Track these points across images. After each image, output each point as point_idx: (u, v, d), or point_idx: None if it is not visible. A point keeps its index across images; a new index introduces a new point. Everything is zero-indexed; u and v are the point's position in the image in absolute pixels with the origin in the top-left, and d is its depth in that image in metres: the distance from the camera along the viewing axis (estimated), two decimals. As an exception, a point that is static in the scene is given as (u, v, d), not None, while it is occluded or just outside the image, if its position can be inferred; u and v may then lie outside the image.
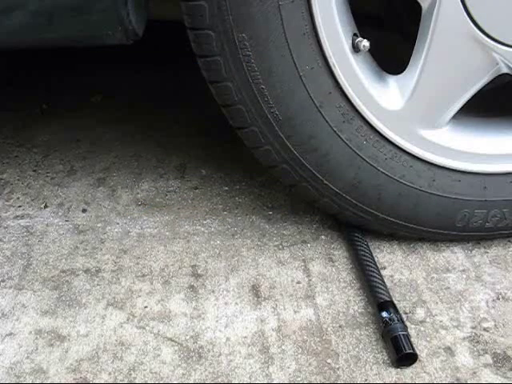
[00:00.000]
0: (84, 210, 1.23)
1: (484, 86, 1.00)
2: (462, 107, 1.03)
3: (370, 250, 1.09)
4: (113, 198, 1.27)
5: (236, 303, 1.00)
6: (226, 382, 0.87)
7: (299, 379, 0.87)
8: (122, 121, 1.56)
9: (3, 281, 1.04)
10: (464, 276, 1.07)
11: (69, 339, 0.93)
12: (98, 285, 1.04)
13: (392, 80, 1.02)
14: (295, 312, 0.99)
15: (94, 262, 1.09)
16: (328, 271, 1.07)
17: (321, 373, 0.88)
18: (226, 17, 0.89)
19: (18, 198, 1.26)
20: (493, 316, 0.98)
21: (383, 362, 0.90)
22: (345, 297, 1.02)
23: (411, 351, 0.88)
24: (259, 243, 1.14)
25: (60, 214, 1.22)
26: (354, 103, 0.98)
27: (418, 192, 1.05)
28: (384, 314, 0.94)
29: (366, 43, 0.95)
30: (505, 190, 1.07)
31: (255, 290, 1.03)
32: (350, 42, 0.95)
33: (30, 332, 0.94)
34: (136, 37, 0.95)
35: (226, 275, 1.06)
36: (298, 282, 1.05)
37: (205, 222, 1.19)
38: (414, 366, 0.89)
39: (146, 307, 0.99)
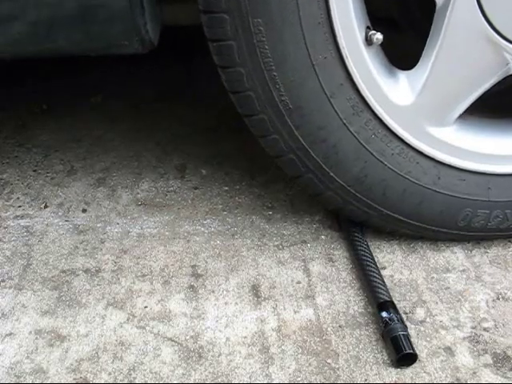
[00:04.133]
0: (84, 210, 1.23)
1: (492, 87, 1.00)
2: (469, 107, 1.03)
3: (369, 250, 1.09)
4: (113, 198, 1.27)
5: (236, 303, 1.00)
6: (226, 382, 0.87)
7: (299, 379, 0.87)
8: (122, 121, 1.56)
9: (3, 281, 1.04)
10: (464, 276, 1.07)
11: (69, 339, 0.93)
12: (98, 285, 1.04)
13: (403, 75, 1.02)
14: (295, 312, 0.99)
15: (93, 262, 1.09)
16: (328, 271, 1.07)
17: (321, 373, 0.88)
18: (241, 1, 0.88)
19: (18, 198, 1.26)
20: (493, 316, 0.98)
21: (383, 362, 0.90)
22: (345, 297, 1.02)
23: (411, 351, 0.88)
24: (259, 243, 1.14)
25: (60, 213, 1.22)
26: (365, 96, 0.98)
27: (423, 189, 1.05)
28: (384, 314, 0.94)
29: (379, 36, 0.95)
30: (509, 191, 1.07)
31: (255, 289, 1.03)
32: (364, 34, 0.95)
33: (30, 332, 0.94)
34: (152, 46, 0.94)
35: (226, 275, 1.06)
36: (298, 282, 1.05)
37: (205, 222, 1.19)
38: (413, 366, 0.89)
39: (146, 307, 0.99)
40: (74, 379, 0.87)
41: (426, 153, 1.03)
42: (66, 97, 1.69)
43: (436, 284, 1.05)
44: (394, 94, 1.00)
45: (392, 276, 1.07)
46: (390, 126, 1.01)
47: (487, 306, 1.00)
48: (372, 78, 0.97)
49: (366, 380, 0.87)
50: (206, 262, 1.09)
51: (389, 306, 0.95)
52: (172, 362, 0.90)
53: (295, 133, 1.00)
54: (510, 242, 1.15)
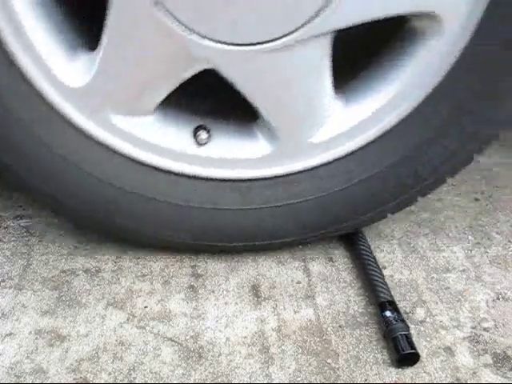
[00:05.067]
0: (84, 210, 1.23)
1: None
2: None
3: (370, 250, 1.09)
4: (113, 198, 1.27)
5: (236, 303, 1.00)
6: (226, 381, 0.87)
7: (299, 379, 0.87)
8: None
9: (3, 281, 1.04)
10: (464, 276, 1.07)
11: (69, 339, 0.93)
12: (98, 285, 1.04)
13: None
14: (295, 312, 0.99)
15: (93, 262, 1.09)
16: (328, 271, 1.07)
17: (321, 373, 0.88)
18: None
19: (18, 198, 1.26)
20: (493, 316, 0.98)
21: (383, 362, 0.90)
22: (345, 297, 1.02)
23: (411, 351, 0.88)
24: (259, 243, 1.14)
25: (60, 213, 1.22)
26: None
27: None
28: (386, 314, 0.94)
29: (204, 135, 0.95)
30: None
31: (255, 290, 1.03)
32: (193, 139, 0.96)
33: (30, 332, 0.94)
34: None
35: (225, 275, 1.06)
36: (298, 282, 1.05)
37: (205, 222, 1.19)
38: (414, 365, 0.89)
39: (146, 307, 0.99)
40: (74, 379, 0.87)
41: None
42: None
43: (436, 284, 1.05)
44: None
45: (392, 276, 1.07)
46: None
47: (487, 305, 1.00)
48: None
49: (366, 380, 0.87)
50: (206, 262, 1.09)
51: (390, 305, 0.95)
52: (172, 362, 0.90)
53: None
54: (510, 241, 1.15)
